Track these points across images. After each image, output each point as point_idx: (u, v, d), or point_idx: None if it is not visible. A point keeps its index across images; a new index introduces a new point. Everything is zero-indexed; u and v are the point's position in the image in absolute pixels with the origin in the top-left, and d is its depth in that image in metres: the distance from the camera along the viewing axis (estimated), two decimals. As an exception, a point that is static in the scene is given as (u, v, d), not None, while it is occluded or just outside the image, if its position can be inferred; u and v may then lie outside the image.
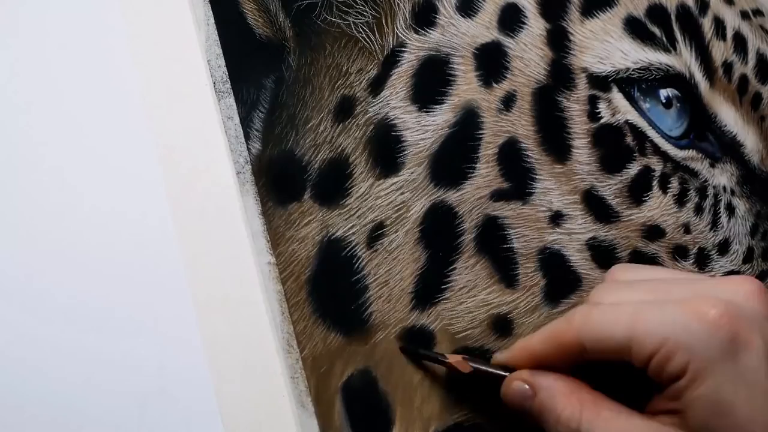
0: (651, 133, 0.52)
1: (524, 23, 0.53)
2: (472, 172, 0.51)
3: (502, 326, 0.50)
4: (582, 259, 0.51)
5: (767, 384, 0.40)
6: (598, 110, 0.52)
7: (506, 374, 0.46)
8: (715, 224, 0.53)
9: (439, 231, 0.50)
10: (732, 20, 0.55)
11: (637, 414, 0.42)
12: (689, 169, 0.53)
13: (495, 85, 0.52)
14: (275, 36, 0.52)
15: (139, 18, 0.51)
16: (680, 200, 0.52)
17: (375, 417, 0.48)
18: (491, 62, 0.52)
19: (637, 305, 0.42)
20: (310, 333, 0.48)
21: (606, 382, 0.44)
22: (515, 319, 0.50)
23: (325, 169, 0.50)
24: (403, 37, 0.52)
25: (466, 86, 0.52)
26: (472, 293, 0.50)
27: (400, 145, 0.51)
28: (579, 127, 0.52)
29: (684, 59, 0.53)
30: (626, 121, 0.52)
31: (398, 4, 0.52)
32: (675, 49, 0.54)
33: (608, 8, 0.54)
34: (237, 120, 0.51)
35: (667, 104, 0.53)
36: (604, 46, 0.53)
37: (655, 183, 0.52)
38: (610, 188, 0.52)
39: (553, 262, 0.50)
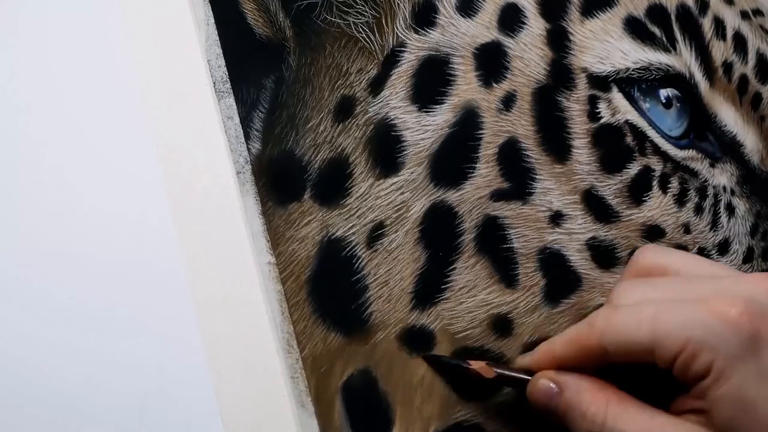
0: (651, 133, 0.52)
1: (524, 23, 0.53)
2: (472, 172, 0.51)
3: (502, 326, 0.50)
4: (582, 259, 0.51)
5: None
6: (598, 110, 0.52)
7: (529, 378, 0.46)
8: (715, 224, 0.53)
9: (439, 231, 0.50)
10: (732, 20, 0.55)
11: (662, 412, 0.43)
12: (689, 169, 0.53)
13: (495, 85, 0.52)
14: (275, 36, 0.52)
15: (139, 18, 0.51)
16: (680, 200, 0.52)
17: (375, 417, 0.48)
18: (491, 62, 0.52)
19: (658, 306, 0.42)
20: (310, 333, 0.48)
21: (628, 384, 0.44)
22: (515, 319, 0.50)
23: (325, 169, 0.50)
24: (403, 37, 0.52)
25: (466, 86, 0.52)
26: (472, 293, 0.50)
27: (400, 145, 0.51)
28: (579, 127, 0.52)
29: (684, 59, 0.53)
30: (626, 121, 0.52)
31: (398, 4, 0.52)
32: (675, 49, 0.54)
33: (608, 8, 0.54)
34: (237, 120, 0.51)
35: (667, 104, 0.53)
36: (604, 46, 0.53)
37: (655, 183, 0.52)
38: (610, 188, 0.52)
39: (553, 262, 0.50)
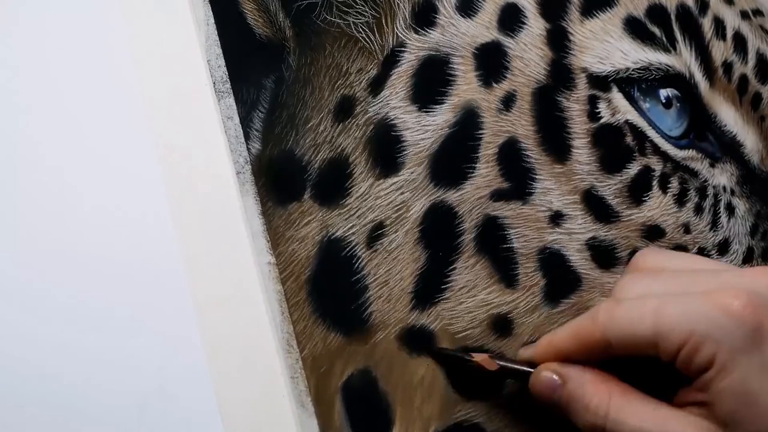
0: (651, 133, 0.52)
1: (524, 23, 0.53)
2: (472, 172, 0.51)
3: (502, 326, 0.50)
4: (582, 259, 0.51)
5: None
6: (598, 110, 0.52)
7: (532, 370, 0.46)
8: (715, 224, 0.53)
9: (439, 231, 0.50)
10: (732, 20, 0.55)
11: (665, 404, 0.43)
12: (689, 169, 0.53)
13: (495, 85, 0.52)
14: (275, 36, 0.52)
15: (139, 18, 0.51)
16: (680, 200, 0.52)
17: (375, 417, 0.48)
18: (491, 62, 0.52)
19: (661, 299, 0.42)
20: (310, 333, 0.48)
21: (630, 376, 0.44)
22: (515, 319, 0.50)
23: (325, 169, 0.50)
24: (403, 37, 0.52)
25: (466, 86, 0.52)
26: (472, 293, 0.50)
27: (400, 145, 0.51)
28: (579, 127, 0.52)
29: (684, 59, 0.53)
30: (626, 121, 0.52)
31: (398, 4, 0.52)
32: (675, 49, 0.54)
33: (608, 8, 0.54)
34: (237, 120, 0.51)
35: (667, 104, 0.53)
36: (604, 46, 0.53)
37: (655, 183, 0.52)
38: (610, 188, 0.52)
39: (553, 262, 0.50)
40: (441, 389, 0.49)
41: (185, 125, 0.50)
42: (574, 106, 0.52)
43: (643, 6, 0.54)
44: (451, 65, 0.52)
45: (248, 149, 0.50)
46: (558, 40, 0.53)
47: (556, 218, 0.51)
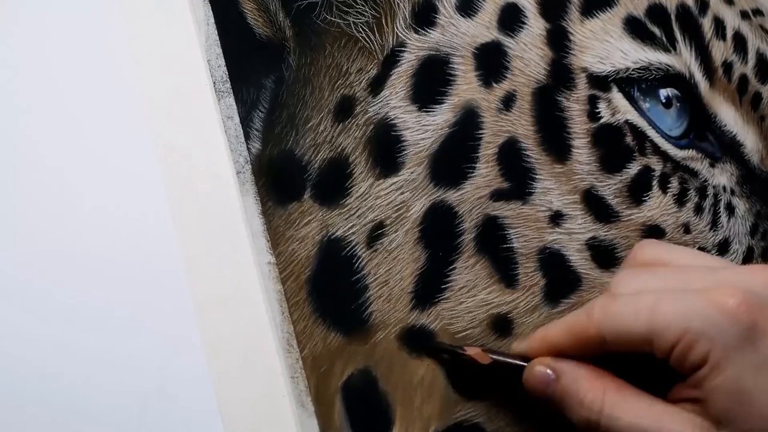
0: (651, 132, 0.52)
1: (524, 23, 0.53)
2: (472, 172, 0.51)
3: (502, 326, 0.50)
4: (582, 259, 0.51)
5: None
6: (598, 110, 0.52)
7: (525, 364, 0.46)
8: (714, 224, 0.53)
9: (439, 231, 0.50)
10: (732, 20, 0.55)
11: (659, 400, 0.43)
12: (689, 168, 0.53)
13: (495, 84, 0.52)
14: (275, 36, 0.52)
15: (139, 18, 0.51)
16: (680, 200, 0.52)
17: (375, 417, 0.48)
18: (491, 62, 0.52)
19: (657, 295, 0.42)
20: (310, 333, 0.48)
21: (625, 372, 0.44)
22: (515, 319, 0.50)
23: (325, 169, 0.50)
24: (403, 37, 0.52)
25: (466, 86, 0.52)
26: (472, 293, 0.50)
27: (400, 145, 0.51)
28: (579, 126, 0.52)
29: (684, 59, 0.53)
30: (626, 121, 0.52)
31: (398, 3, 0.52)
32: (675, 48, 0.54)
33: (608, 8, 0.54)
34: (237, 120, 0.51)
35: (667, 104, 0.53)
36: (604, 45, 0.53)
37: (655, 183, 0.52)
38: (610, 188, 0.52)
39: (553, 262, 0.50)
40: (441, 389, 0.49)
41: (185, 125, 0.50)
42: (574, 106, 0.52)
43: (643, 6, 0.54)
44: (451, 65, 0.52)
45: (248, 149, 0.50)
46: (558, 40, 0.53)
47: (556, 218, 0.51)
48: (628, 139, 0.52)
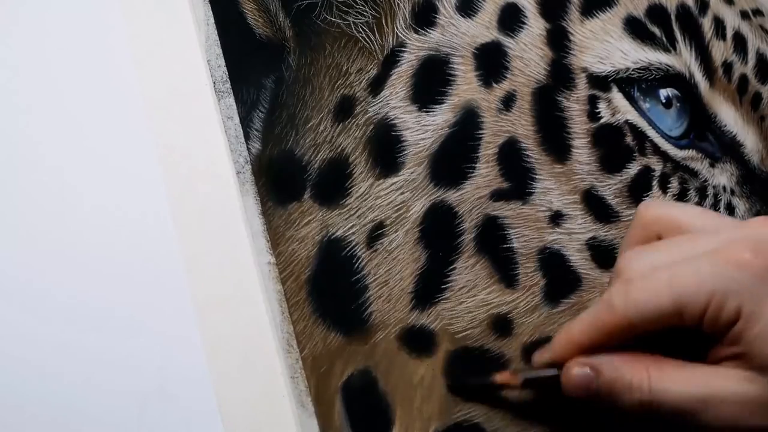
0: (651, 132, 0.52)
1: (524, 23, 0.53)
2: (472, 172, 0.51)
3: (502, 326, 0.50)
4: (582, 259, 0.51)
5: None
6: (598, 110, 0.52)
7: (556, 372, 0.45)
8: (715, 224, 0.53)
9: (439, 231, 0.50)
10: (732, 20, 0.55)
11: (701, 365, 0.43)
12: (689, 169, 0.53)
13: (495, 84, 0.52)
14: (275, 36, 0.52)
15: (139, 18, 0.51)
16: (680, 200, 0.52)
17: (375, 417, 0.48)
18: (491, 62, 0.52)
19: (670, 269, 0.43)
20: (310, 333, 0.48)
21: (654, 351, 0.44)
22: (515, 319, 0.50)
23: (325, 169, 0.50)
24: (403, 37, 0.52)
25: (466, 86, 0.52)
26: (472, 293, 0.50)
27: (400, 145, 0.51)
28: (579, 126, 0.52)
29: (684, 59, 0.53)
30: (626, 121, 0.52)
31: (398, 4, 0.52)
32: (675, 49, 0.54)
33: (608, 8, 0.54)
34: (237, 120, 0.51)
35: (667, 104, 0.53)
36: (604, 46, 0.53)
37: (655, 183, 0.52)
38: (610, 188, 0.52)
39: (553, 262, 0.50)
40: (441, 389, 0.49)
41: (185, 125, 0.50)
42: (574, 106, 0.52)
43: (643, 6, 0.54)
44: (451, 65, 0.52)
45: (248, 149, 0.50)
46: (558, 40, 0.53)
47: (556, 218, 0.51)
48: (628, 139, 0.52)
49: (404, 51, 0.52)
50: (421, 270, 0.50)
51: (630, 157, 0.52)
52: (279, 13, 0.52)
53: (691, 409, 0.42)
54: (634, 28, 0.53)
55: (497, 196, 0.51)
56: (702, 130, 0.54)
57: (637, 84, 0.53)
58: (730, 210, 0.53)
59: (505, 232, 0.50)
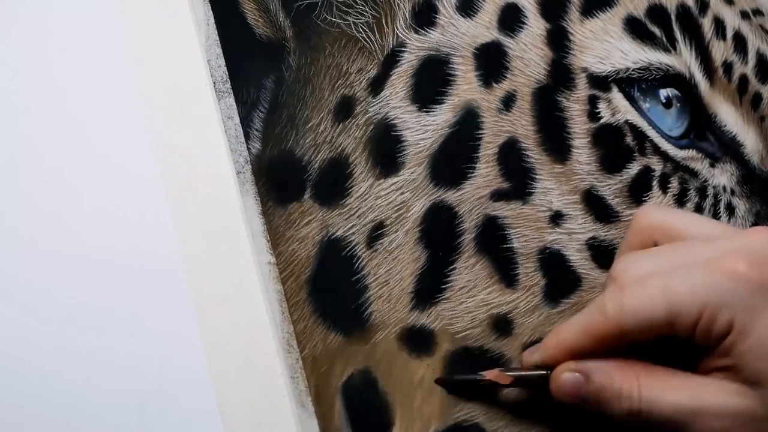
0: (651, 133, 0.52)
1: (524, 23, 0.53)
2: (472, 172, 0.51)
3: (502, 326, 0.50)
4: (582, 259, 0.51)
5: None
6: (598, 110, 0.52)
7: (546, 373, 0.45)
8: (715, 224, 0.53)
9: (439, 231, 0.50)
10: (732, 20, 0.55)
11: (691, 374, 0.43)
12: (689, 169, 0.53)
13: (495, 85, 0.52)
14: (275, 36, 0.52)
15: (139, 18, 0.51)
16: (680, 200, 0.52)
17: (375, 417, 0.48)
18: (491, 62, 0.52)
19: (665, 278, 0.42)
20: (310, 333, 0.48)
21: (645, 358, 0.44)
22: (515, 319, 0.50)
23: (325, 169, 0.50)
24: (403, 37, 0.52)
25: (466, 86, 0.52)
26: (472, 293, 0.50)
27: (400, 145, 0.51)
28: (579, 127, 0.52)
29: (684, 59, 0.53)
30: (626, 121, 0.52)
31: (398, 4, 0.52)
32: (675, 49, 0.54)
33: (608, 8, 0.54)
34: (237, 120, 0.51)
35: (667, 104, 0.53)
36: (604, 46, 0.53)
37: (655, 183, 0.52)
38: (610, 188, 0.52)
39: (553, 262, 0.50)
40: (441, 389, 0.49)
41: (185, 125, 0.50)
42: (574, 106, 0.52)
43: (643, 6, 0.54)
44: (451, 65, 0.52)
45: (248, 149, 0.50)
46: (558, 40, 0.53)
47: (556, 218, 0.51)
48: (628, 139, 0.52)
49: (404, 51, 0.52)
50: (421, 270, 0.50)
51: (630, 157, 0.52)
52: (279, 13, 0.52)
53: (680, 421, 0.42)
54: (634, 28, 0.53)
55: (497, 196, 0.51)
56: (702, 130, 0.54)
57: (637, 84, 0.53)
58: (731, 210, 0.53)
59: (505, 232, 0.50)
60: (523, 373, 0.47)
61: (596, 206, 0.51)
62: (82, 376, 0.45)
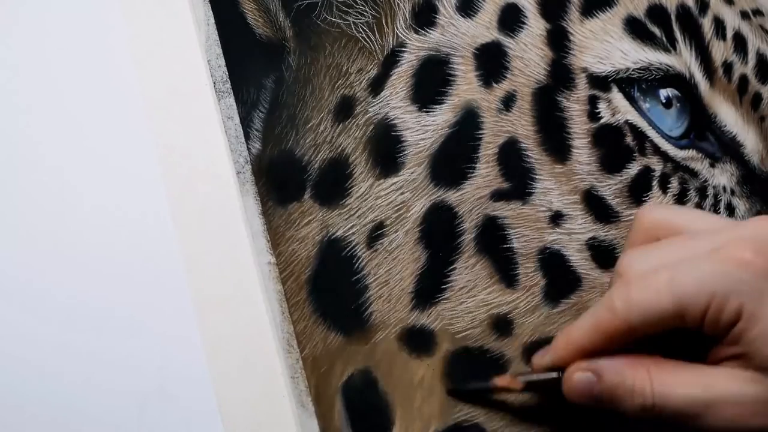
0: (651, 133, 0.52)
1: (524, 23, 0.53)
2: (472, 172, 0.51)
3: (502, 326, 0.50)
4: (582, 259, 0.51)
5: None
6: (598, 110, 0.52)
7: (557, 375, 0.45)
8: (715, 224, 0.53)
9: (439, 231, 0.50)
10: (732, 20, 0.55)
11: (703, 366, 0.43)
12: (689, 169, 0.53)
13: (495, 85, 0.52)
14: (275, 36, 0.52)
15: (139, 18, 0.51)
16: (680, 200, 0.52)
17: (375, 417, 0.48)
18: (491, 62, 0.52)
19: (670, 270, 0.42)
20: (310, 333, 0.48)
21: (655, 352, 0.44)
22: (515, 319, 0.50)
23: (325, 169, 0.50)
24: (403, 37, 0.52)
25: (466, 86, 0.52)
26: (472, 293, 0.50)
27: (400, 145, 0.51)
28: (579, 127, 0.52)
29: (684, 59, 0.53)
30: (626, 121, 0.52)
31: (398, 4, 0.52)
32: (675, 49, 0.54)
33: (608, 8, 0.54)
34: (237, 120, 0.51)
35: (667, 104, 0.53)
36: (604, 46, 0.53)
37: (655, 183, 0.52)
38: (610, 188, 0.52)
39: (553, 262, 0.50)
40: (441, 389, 0.49)
41: (185, 125, 0.50)
42: (574, 106, 0.52)
43: (643, 6, 0.54)
44: (451, 65, 0.52)
45: (248, 149, 0.50)
46: (558, 40, 0.53)
47: (556, 218, 0.51)
48: (628, 139, 0.52)
49: (404, 51, 0.52)
50: (421, 270, 0.50)
51: (630, 157, 0.52)
52: (279, 13, 0.52)
53: (694, 413, 0.42)
54: (634, 28, 0.53)
55: (497, 196, 0.51)
56: (702, 130, 0.54)
57: (637, 84, 0.53)
58: (730, 210, 0.53)
59: (505, 232, 0.50)
60: (534, 377, 0.46)
61: (596, 206, 0.51)
62: (82, 376, 0.45)
